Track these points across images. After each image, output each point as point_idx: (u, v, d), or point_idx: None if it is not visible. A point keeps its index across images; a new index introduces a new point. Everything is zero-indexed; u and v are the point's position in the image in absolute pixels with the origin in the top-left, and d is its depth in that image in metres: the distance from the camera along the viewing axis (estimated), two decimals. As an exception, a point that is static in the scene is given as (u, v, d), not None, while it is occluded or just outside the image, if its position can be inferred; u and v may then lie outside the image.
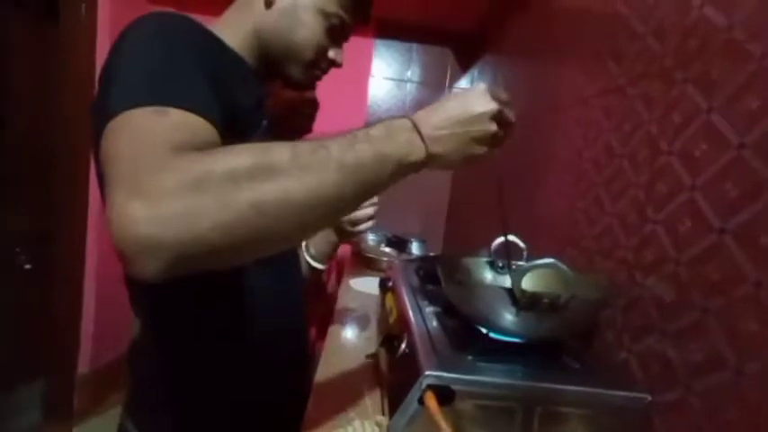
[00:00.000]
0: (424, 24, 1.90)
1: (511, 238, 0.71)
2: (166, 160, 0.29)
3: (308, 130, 0.89)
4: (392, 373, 0.61)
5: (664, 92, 0.55)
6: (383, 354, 0.70)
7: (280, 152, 0.31)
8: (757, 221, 0.39)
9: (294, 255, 0.68)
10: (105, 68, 0.40)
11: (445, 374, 0.46)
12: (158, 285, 0.28)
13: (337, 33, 0.56)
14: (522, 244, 0.70)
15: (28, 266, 1.47)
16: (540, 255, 0.70)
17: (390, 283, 0.88)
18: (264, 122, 0.54)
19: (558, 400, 0.47)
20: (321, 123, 1.01)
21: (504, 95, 0.42)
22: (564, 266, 0.48)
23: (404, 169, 0.37)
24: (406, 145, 0.37)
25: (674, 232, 0.50)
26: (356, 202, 0.35)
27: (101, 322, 1.75)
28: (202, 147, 0.31)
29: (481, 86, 0.41)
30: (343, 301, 1.13)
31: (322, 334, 0.93)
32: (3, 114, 1.52)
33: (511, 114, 0.43)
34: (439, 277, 0.62)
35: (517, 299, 0.48)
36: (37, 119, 1.59)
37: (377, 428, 0.50)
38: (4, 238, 1.48)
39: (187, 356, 0.52)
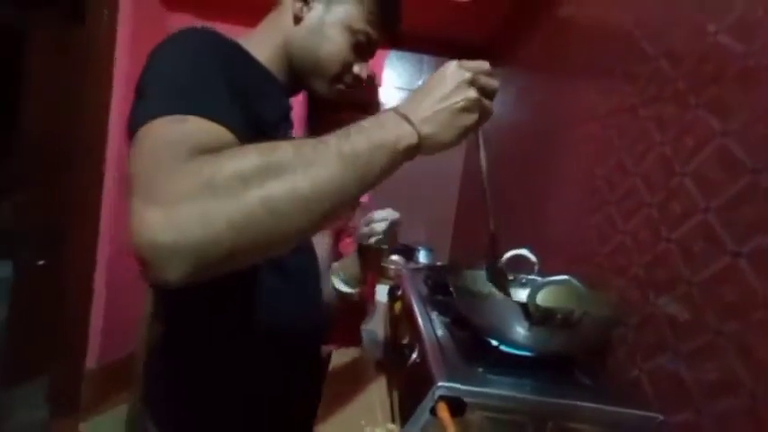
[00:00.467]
0: (435, 36, 1.93)
1: (523, 251, 0.72)
2: (179, 164, 0.30)
3: None
4: (403, 381, 0.62)
5: (677, 115, 0.56)
6: (393, 363, 0.71)
7: (284, 150, 0.32)
8: (772, 246, 0.39)
9: (311, 257, 0.69)
10: (138, 84, 0.42)
11: (458, 386, 0.47)
12: (178, 288, 0.29)
13: (363, 49, 0.58)
14: (533, 258, 0.71)
15: (40, 262, 1.50)
16: (552, 269, 0.70)
17: (399, 292, 0.89)
18: (290, 133, 0.55)
19: (570, 416, 0.47)
20: None
21: (475, 64, 0.43)
22: (578, 283, 0.48)
23: (399, 155, 0.38)
24: (395, 131, 0.38)
25: (688, 253, 0.50)
26: (359, 191, 0.36)
27: (110, 319, 1.76)
28: (218, 149, 0.32)
29: (451, 63, 0.42)
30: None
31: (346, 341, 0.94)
32: (21, 113, 1.55)
33: (490, 81, 0.43)
34: (447, 287, 0.63)
35: (530, 313, 0.49)
36: (55, 118, 1.63)
37: (388, 437, 0.50)
38: (18, 234, 1.50)
39: (204, 354, 0.53)
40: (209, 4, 1.91)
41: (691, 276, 0.49)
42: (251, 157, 0.31)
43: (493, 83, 0.43)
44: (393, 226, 0.74)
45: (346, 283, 0.76)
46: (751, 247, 0.42)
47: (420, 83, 2.03)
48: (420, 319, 0.68)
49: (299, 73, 0.57)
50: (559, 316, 0.48)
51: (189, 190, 0.28)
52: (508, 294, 0.59)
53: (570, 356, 0.57)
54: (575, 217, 0.83)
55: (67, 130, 1.60)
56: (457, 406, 0.46)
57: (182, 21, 1.95)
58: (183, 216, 0.27)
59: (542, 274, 0.69)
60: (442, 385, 0.47)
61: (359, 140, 0.35)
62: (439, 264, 1.36)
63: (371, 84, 0.86)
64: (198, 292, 0.37)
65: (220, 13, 1.92)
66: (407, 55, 2.03)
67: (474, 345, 0.59)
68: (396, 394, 0.63)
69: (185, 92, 0.37)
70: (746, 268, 0.42)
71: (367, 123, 0.37)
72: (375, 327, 1.03)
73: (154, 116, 0.34)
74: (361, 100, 0.89)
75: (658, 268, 0.55)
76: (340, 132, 0.36)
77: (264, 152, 0.31)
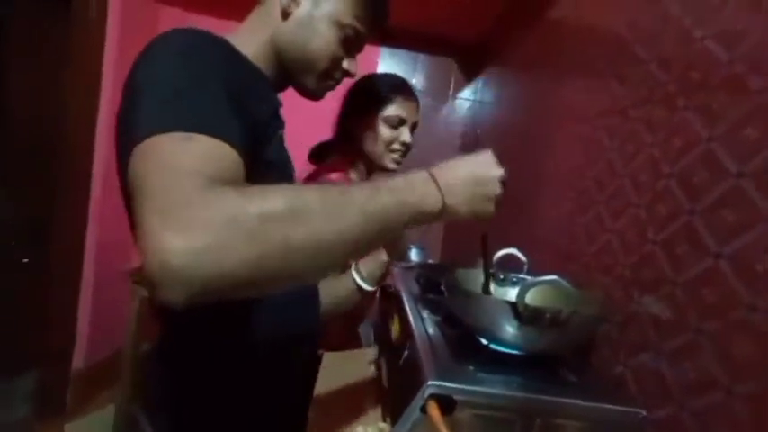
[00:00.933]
0: (429, 34, 1.93)
1: (512, 251, 0.73)
2: (199, 194, 0.30)
3: (396, 168, 0.92)
4: (394, 380, 0.62)
5: (666, 117, 0.58)
6: (385, 361, 0.71)
7: (309, 197, 0.33)
8: (753, 249, 0.41)
9: None
10: (130, 85, 0.41)
11: (448, 384, 0.48)
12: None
13: (351, 44, 0.57)
14: (523, 257, 0.72)
15: (25, 260, 1.47)
16: (541, 268, 0.72)
17: (391, 290, 0.90)
18: (280, 132, 0.55)
19: (556, 413, 0.49)
20: (324, 130, 1.03)
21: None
22: (566, 283, 0.49)
23: (421, 216, 0.40)
24: (423, 194, 0.41)
25: (673, 254, 0.52)
26: (377, 244, 0.39)
27: (97, 318, 1.74)
28: (229, 176, 0.33)
29: (490, 153, 0.47)
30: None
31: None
32: (3, 105, 1.52)
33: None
34: (439, 285, 0.63)
35: (520, 313, 0.49)
36: (41, 112, 1.59)
37: (379, 435, 0.51)
38: (2, 230, 1.47)
39: (202, 357, 0.53)
40: (200, -3, 1.89)
41: (675, 277, 0.51)
42: (277, 200, 0.32)
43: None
44: None
45: (365, 280, 0.76)
46: (732, 249, 0.43)
47: (414, 82, 2.04)
48: (411, 318, 0.69)
49: (287, 68, 0.56)
50: (548, 315, 0.49)
51: (210, 222, 0.29)
52: (488, 293, 0.61)
53: (558, 354, 0.58)
54: (564, 216, 0.84)
55: (53, 123, 1.57)
56: (447, 404, 0.47)
57: (171, 14, 1.92)
58: (200, 246, 0.28)
59: (532, 273, 0.71)
60: (433, 384, 0.47)
61: (386, 197, 0.37)
62: (431, 262, 1.37)
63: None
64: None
65: (209, 7, 1.90)
66: (401, 53, 2.02)
67: (464, 343, 0.59)
68: (387, 393, 0.64)
69: (188, 103, 0.36)
70: (727, 269, 0.43)
71: (396, 182, 0.39)
72: (367, 325, 1.03)
73: (158, 130, 0.33)
74: (397, 116, 0.89)
75: (644, 268, 0.57)
76: (371, 185, 0.37)
77: (290, 196, 0.32)
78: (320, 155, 0.95)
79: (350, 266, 0.75)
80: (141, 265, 0.29)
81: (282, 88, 0.60)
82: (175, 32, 0.43)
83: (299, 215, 0.32)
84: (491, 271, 0.61)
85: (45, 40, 1.54)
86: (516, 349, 0.55)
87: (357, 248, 0.36)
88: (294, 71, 0.57)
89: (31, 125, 1.56)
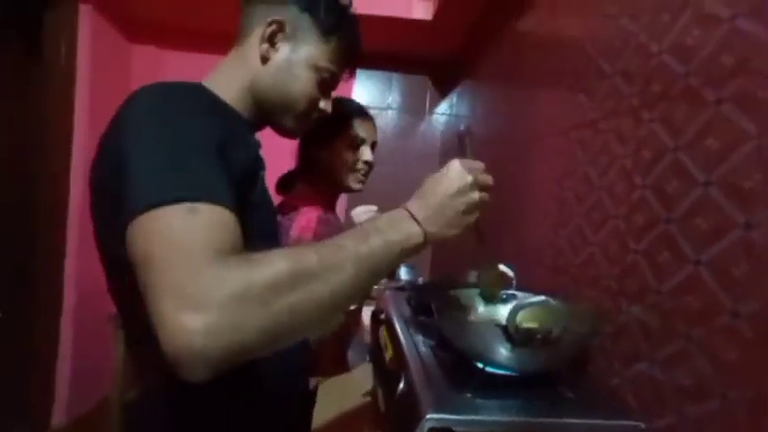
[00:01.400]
0: (402, 54, 1.97)
1: (500, 267, 0.73)
2: (210, 270, 0.31)
3: (346, 186, 0.92)
4: (392, 412, 0.61)
5: (633, 129, 0.59)
6: (381, 392, 0.70)
7: (308, 258, 0.35)
8: (729, 255, 0.42)
9: None
10: (112, 150, 0.41)
11: (446, 416, 0.47)
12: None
13: (327, 85, 0.59)
14: (511, 273, 0.72)
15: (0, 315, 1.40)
16: (530, 282, 0.72)
17: (382, 316, 0.89)
18: (262, 173, 0.55)
19: (557, 434, 0.48)
20: (287, 160, 1.03)
21: (476, 164, 0.48)
22: (555, 303, 0.49)
23: (407, 252, 0.43)
24: (406, 232, 0.43)
25: (654, 263, 0.53)
26: (370, 286, 0.40)
27: (78, 370, 1.66)
28: (232, 243, 0.34)
29: (455, 163, 0.47)
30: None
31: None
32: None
33: (486, 177, 0.48)
34: (430, 307, 0.63)
35: (511, 335, 0.49)
36: (12, 166, 1.55)
37: (380, 476, 0.49)
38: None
39: (194, 400, 0.51)
40: (172, 35, 1.89)
41: (658, 286, 0.52)
42: (280, 266, 0.33)
43: (488, 179, 0.48)
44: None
45: None
46: (709, 256, 0.44)
47: (390, 100, 2.07)
48: (405, 346, 0.68)
49: (266, 110, 0.57)
50: (539, 336, 0.49)
51: (225, 299, 0.30)
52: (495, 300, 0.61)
53: (553, 371, 0.58)
54: (548, 229, 0.85)
55: (26, 176, 1.53)
56: (447, 435, 0.46)
57: (144, 53, 1.92)
58: (219, 324, 0.29)
59: (521, 288, 0.71)
60: (431, 417, 0.46)
61: (374, 243, 0.40)
62: (420, 280, 1.37)
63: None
64: None
65: (183, 44, 1.91)
66: (375, 74, 2.06)
67: (459, 368, 0.59)
68: (385, 422, 0.62)
69: (184, 172, 0.36)
70: (707, 277, 0.44)
71: (382, 223, 0.42)
72: (361, 352, 1.01)
73: (158, 202, 0.33)
74: (356, 138, 0.91)
75: (628, 278, 0.58)
76: (358, 233, 0.40)
77: (291, 261, 0.34)
78: (286, 185, 0.96)
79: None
80: (158, 343, 0.30)
81: (260, 128, 0.60)
82: (150, 92, 0.43)
83: (302, 280, 0.34)
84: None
85: (15, 90, 1.51)
86: (511, 371, 0.55)
87: (354, 296, 0.39)
88: (273, 113, 0.58)
89: (2, 179, 1.51)
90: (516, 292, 0.71)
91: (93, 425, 1.64)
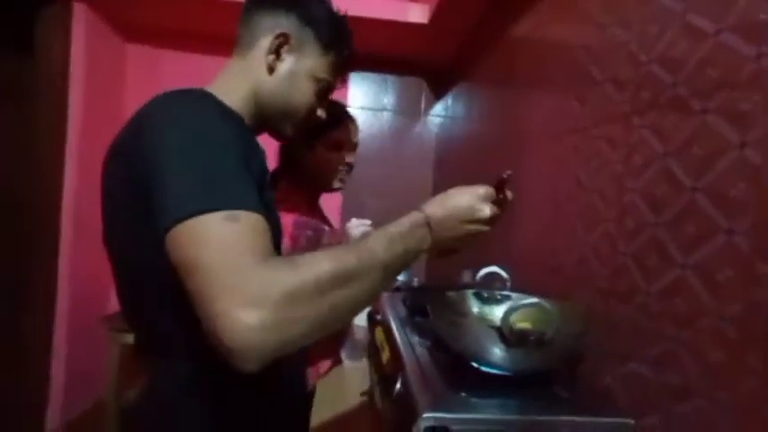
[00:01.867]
0: (398, 56, 1.99)
1: (494, 269, 0.75)
2: (262, 271, 0.34)
3: (330, 187, 0.97)
4: (389, 412, 0.62)
5: (624, 135, 0.61)
6: (378, 393, 0.71)
7: (347, 259, 0.40)
8: (713, 259, 0.43)
9: None
10: (139, 153, 0.42)
11: (442, 415, 0.48)
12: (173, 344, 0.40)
13: (324, 93, 0.63)
14: (505, 275, 0.74)
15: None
16: (524, 283, 0.73)
17: (379, 317, 0.90)
18: (268, 177, 0.56)
19: (551, 431, 0.49)
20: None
21: (500, 205, 0.53)
22: (547, 305, 0.51)
23: (419, 255, 0.48)
24: (421, 239, 0.48)
25: (643, 265, 0.54)
26: (390, 286, 0.48)
27: (73, 373, 1.65)
28: (269, 247, 0.38)
29: (487, 190, 0.51)
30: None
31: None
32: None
33: (509, 193, 0.54)
34: (425, 308, 0.64)
35: (506, 336, 0.51)
36: (8, 154, 1.54)
37: (379, 474, 0.50)
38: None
39: (193, 399, 0.52)
40: (168, 34, 1.89)
41: (647, 287, 0.53)
42: (324, 266, 0.37)
43: (499, 212, 0.53)
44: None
45: None
46: (695, 259, 0.46)
47: (385, 102, 2.08)
48: (402, 346, 0.69)
49: (266, 117, 0.59)
50: (532, 337, 0.51)
51: (279, 297, 0.33)
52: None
53: (547, 371, 0.60)
54: (542, 231, 0.87)
55: (19, 173, 1.51)
56: (443, 434, 0.47)
57: (140, 52, 1.91)
58: (273, 320, 0.33)
59: (515, 289, 0.72)
60: (428, 416, 0.47)
61: (399, 248, 0.45)
62: (416, 281, 1.38)
63: (348, 172, 0.99)
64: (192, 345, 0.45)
65: (179, 44, 1.90)
66: (371, 75, 2.07)
67: (455, 368, 0.60)
68: (383, 427, 0.63)
69: (218, 179, 0.39)
70: (693, 280, 0.46)
71: (405, 229, 0.46)
72: (352, 349, 1.03)
73: (198, 211, 0.36)
74: (337, 140, 0.94)
75: (618, 280, 0.59)
76: (387, 238, 0.44)
77: (334, 261, 0.38)
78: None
79: None
80: (209, 337, 0.33)
81: (258, 133, 0.62)
82: (171, 100, 0.45)
83: (343, 280, 0.38)
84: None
85: (7, 89, 1.49)
86: (506, 371, 0.56)
87: (379, 294, 0.44)
88: (273, 120, 0.61)
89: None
90: (510, 293, 0.72)
91: (87, 427, 1.63)
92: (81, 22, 1.61)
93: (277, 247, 0.38)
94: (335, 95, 0.73)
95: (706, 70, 0.46)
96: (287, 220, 0.85)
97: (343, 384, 0.87)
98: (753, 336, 0.39)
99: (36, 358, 1.54)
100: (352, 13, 0.65)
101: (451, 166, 1.83)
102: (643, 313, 0.54)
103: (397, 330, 0.76)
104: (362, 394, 0.76)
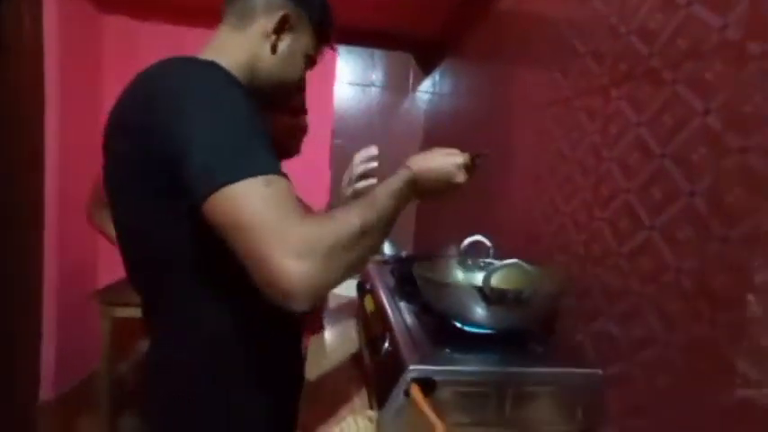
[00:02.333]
0: (385, 31, 1.96)
1: (478, 237, 0.78)
2: (305, 226, 0.40)
3: (297, 152, 0.98)
4: (377, 370, 0.66)
5: (602, 106, 0.64)
6: (367, 353, 0.75)
7: (371, 215, 0.47)
8: (675, 220, 0.47)
9: None
10: (152, 123, 0.43)
11: (427, 367, 0.52)
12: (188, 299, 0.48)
13: (309, 68, 0.66)
14: (488, 243, 0.77)
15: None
16: (506, 251, 0.77)
17: (368, 286, 0.93)
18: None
19: (526, 382, 0.54)
20: None
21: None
22: (525, 265, 0.54)
23: (408, 201, 0.57)
24: (410, 193, 0.57)
25: (616, 229, 0.58)
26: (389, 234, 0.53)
27: (64, 346, 1.67)
28: (300, 206, 0.42)
29: (459, 160, 0.61)
30: (323, 305, 1.16)
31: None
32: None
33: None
34: (413, 277, 0.68)
35: (486, 295, 0.54)
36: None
37: (369, 422, 0.54)
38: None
39: (197, 357, 0.54)
40: (145, 6, 1.82)
41: (618, 249, 0.57)
42: (355, 222, 0.44)
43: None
44: (373, 160, 0.78)
45: None
46: (660, 221, 0.49)
47: (373, 77, 2.06)
48: (390, 311, 0.72)
49: (258, 88, 0.61)
50: (511, 295, 0.54)
51: (324, 248, 0.40)
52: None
53: (525, 329, 0.64)
54: (524, 201, 0.90)
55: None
56: (428, 386, 0.51)
57: (116, 23, 1.84)
58: (321, 268, 0.39)
59: (498, 257, 0.76)
60: (414, 368, 0.51)
61: (397, 204, 0.53)
62: (404, 254, 1.42)
63: (302, 136, 1.02)
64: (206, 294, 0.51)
65: (156, 14, 1.83)
66: (359, 51, 2.04)
67: (440, 328, 0.64)
68: (372, 383, 0.67)
69: (254, 149, 0.43)
70: (658, 240, 0.50)
71: (401, 184, 0.55)
72: (347, 322, 1.06)
73: (236, 178, 0.40)
74: (294, 106, 0.97)
75: (593, 243, 0.63)
76: (391, 192, 0.53)
77: (361, 219, 0.45)
78: None
79: None
80: (265, 285, 0.39)
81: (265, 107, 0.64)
82: (181, 68, 0.46)
83: (369, 232, 0.46)
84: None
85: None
86: (487, 329, 0.60)
87: (382, 242, 0.51)
88: (266, 90, 0.63)
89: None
90: (493, 261, 0.76)
91: (80, 400, 1.66)
92: (52, -7, 1.54)
93: None
94: (321, 68, 0.73)
95: (677, 41, 0.48)
96: None
97: (326, 348, 0.91)
98: (705, 286, 0.43)
99: (26, 332, 1.54)
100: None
101: (440, 143, 1.84)
102: (614, 273, 0.58)
103: (386, 297, 0.80)
104: (352, 356, 0.80)
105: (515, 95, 1.02)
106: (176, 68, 0.46)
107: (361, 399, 0.67)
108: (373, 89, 2.08)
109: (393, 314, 0.71)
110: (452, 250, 1.18)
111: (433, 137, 1.94)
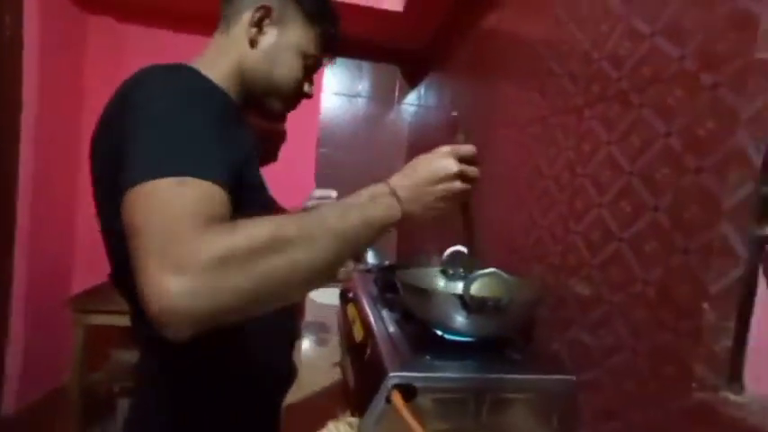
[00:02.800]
0: (373, 43, 2.00)
1: (459, 248, 0.80)
2: (194, 235, 0.32)
3: (275, 158, 0.97)
4: (359, 377, 0.67)
5: (576, 125, 0.67)
6: (349, 360, 0.75)
7: (289, 226, 0.37)
8: (642, 234, 0.50)
9: None
10: (118, 128, 0.42)
11: (408, 374, 0.53)
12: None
13: (310, 69, 0.62)
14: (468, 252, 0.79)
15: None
16: (487, 262, 0.79)
17: (351, 295, 0.94)
18: (255, 154, 0.57)
19: (503, 388, 0.56)
20: None
21: (466, 150, 0.49)
22: (504, 274, 0.56)
23: (385, 228, 0.45)
24: (387, 209, 0.44)
25: (589, 241, 0.61)
26: (347, 259, 0.42)
27: (30, 357, 1.59)
28: (219, 215, 0.36)
29: (444, 149, 0.49)
30: (306, 313, 1.16)
31: None
32: None
33: (474, 170, 0.50)
34: (395, 286, 0.69)
35: (467, 303, 0.56)
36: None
37: (350, 429, 0.55)
38: None
39: (184, 363, 0.53)
40: (133, 8, 1.80)
41: (591, 260, 0.60)
42: (261, 231, 0.35)
43: (474, 170, 0.50)
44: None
45: None
46: (629, 233, 0.53)
47: (360, 88, 2.09)
48: (372, 319, 0.73)
49: (252, 92, 0.59)
50: (490, 303, 0.56)
51: (206, 262, 0.31)
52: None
53: (503, 337, 0.66)
54: (503, 215, 0.93)
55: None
56: (409, 392, 0.52)
57: (101, 24, 1.82)
58: (200, 286, 0.31)
59: (478, 267, 0.78)
60: (395, 375, 0.52)
61: (355, 217, 0.41)
62: (387, 263, 1.43)
63: (280, 141, 1.00)
64: None
65: (141, 16, 1.82)
66: (347, 61, 2.07)
67: (421, 336, 0.65)
68: (353, 392, 0.68)
69: (180, 149, 0.38)
70: (627, 251, 0.53)
71: (364, 198, 0.43)
72: (330, 330, 1.06)
73: (152, 176, 0.35)
74: (268, 155, 0.95)
75: (568, 255, 0.66)
76: (341, 206, 0.42)
77: (272, 228, 0.36)
78: None
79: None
80: (143, 303, 0.31)
81: (244, 110, 0.62)
82: (154, 74, 0.44)
83: (281, 246, 0.35)
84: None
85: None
86: (466, 336, 0.62)
87: (332, 266, 0.40)
88: (259, 95, 0.60)
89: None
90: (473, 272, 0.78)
91: (44, 413, 1.59)
92: (34, -8, 1.51)
93: None
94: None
95: (642, 68, 0.52)
96: None
97: (316, 357, 0.91)
98: (668, 295, 0.46)
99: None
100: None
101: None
102: (587, 283, 0.60)
103: (368, 305, 0.81)
104: (335, 364, 0.80)
105: (495, 111, 1.06)
106: (150, 75, 0.45)
107: (342, 405, 0.67)
108: (360, 99, 2.11)
109: (375, 322, 0.72)
110: (434, 260, 1.20)
111: (417, 148, 1.97)
